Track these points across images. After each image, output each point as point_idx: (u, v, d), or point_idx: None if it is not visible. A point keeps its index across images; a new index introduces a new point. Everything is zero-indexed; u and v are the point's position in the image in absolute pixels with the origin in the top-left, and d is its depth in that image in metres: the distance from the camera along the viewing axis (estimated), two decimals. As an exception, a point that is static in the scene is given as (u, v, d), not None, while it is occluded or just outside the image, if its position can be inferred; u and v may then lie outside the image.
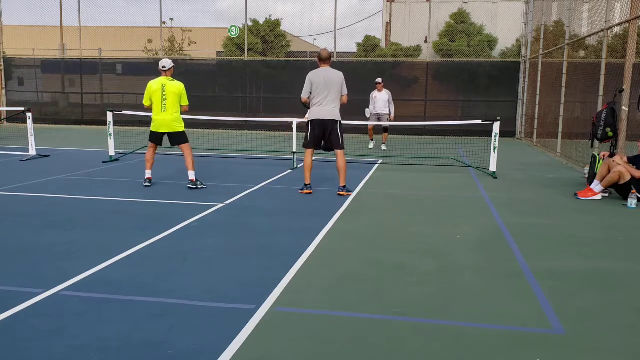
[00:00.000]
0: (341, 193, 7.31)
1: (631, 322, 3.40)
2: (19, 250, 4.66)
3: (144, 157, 7.99)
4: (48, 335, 3.05)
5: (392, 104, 13.32)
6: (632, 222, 6.24)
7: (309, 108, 7.41)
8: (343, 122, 7.38)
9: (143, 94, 7.72)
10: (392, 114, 13.35)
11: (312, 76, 7.24)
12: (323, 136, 7.31)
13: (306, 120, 7.60)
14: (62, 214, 6.03)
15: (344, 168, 7.36)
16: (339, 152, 7.33)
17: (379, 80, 13.44)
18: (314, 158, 7.61)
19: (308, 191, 7.40)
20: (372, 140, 13.87)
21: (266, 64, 19.32)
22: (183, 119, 7.77)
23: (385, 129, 13.47)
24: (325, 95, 7.17)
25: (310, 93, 7.24)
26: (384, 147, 13.36)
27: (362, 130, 15.04)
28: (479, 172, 9.72)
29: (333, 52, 18.74)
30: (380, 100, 13.22)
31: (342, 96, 7.31)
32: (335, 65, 7.61)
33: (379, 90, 13.28)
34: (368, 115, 13.30)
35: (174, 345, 2.96)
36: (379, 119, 13.24)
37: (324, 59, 7.30)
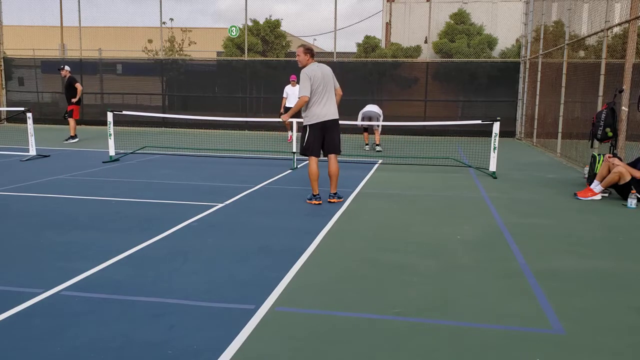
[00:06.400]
0: (332, 200, 6.80)
1: (631, 322, 3.40)
2: (19, 250, 4.67)
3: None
4: (48, 335, 3.05)
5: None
6: (632, 222, 6.24)
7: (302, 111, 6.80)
8: (340, 122, 6.85)
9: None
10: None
11: (310, 72, 6.56)
12: (323, 139, 6.70)
13: (283, 120, 7.34)
14: (62, 214, 6.03)
15: (337, 173, 6.82)
16: (334, 155, 6.77)
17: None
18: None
19: (317, 202, 6.69)
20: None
21: (266, 64, 19.32)
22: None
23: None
24: (324, 92, 6.60)
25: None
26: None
27: (357, 130, 14.73)
28: (479, 172, 9.72)
29: (333, 52, 18.78)
30: None
31: (336, 90, 6.74)
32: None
33: None
34: None
35: (174, 345, 2.96)
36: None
37: (315, 54, 6.79)
